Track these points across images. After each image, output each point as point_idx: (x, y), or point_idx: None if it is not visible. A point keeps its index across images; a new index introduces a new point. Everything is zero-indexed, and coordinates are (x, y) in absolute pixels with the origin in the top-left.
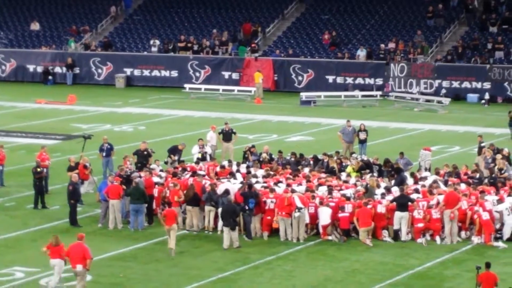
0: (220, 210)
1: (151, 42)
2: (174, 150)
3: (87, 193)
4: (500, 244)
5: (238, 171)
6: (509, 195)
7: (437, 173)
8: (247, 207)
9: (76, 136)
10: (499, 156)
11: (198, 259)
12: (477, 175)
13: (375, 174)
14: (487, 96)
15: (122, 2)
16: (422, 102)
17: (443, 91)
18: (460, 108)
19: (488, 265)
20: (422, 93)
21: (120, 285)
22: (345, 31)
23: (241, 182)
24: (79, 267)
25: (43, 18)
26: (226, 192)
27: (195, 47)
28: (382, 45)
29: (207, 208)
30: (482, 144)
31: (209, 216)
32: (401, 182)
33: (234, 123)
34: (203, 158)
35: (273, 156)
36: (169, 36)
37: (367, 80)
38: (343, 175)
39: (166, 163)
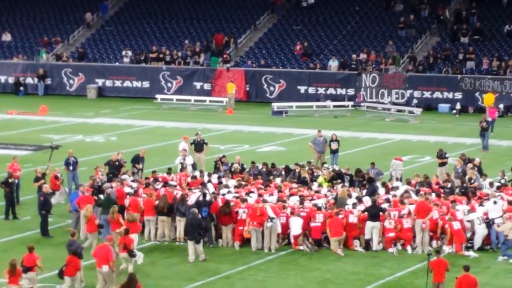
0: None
1: (123, 53)
2: (137, 159)
3: (59, 204)
4: (471, 253)
5: (209, 181)
6: (480, 205)
7: (409, 183)
8: (200, 216)
9: (45, 146)
10: (469, 166)
11: (169, 269)
12: (448, 185)
13: (347, 184)
14: (458, 106)
15: (99, 9)
16: (394, 112)
17: (415, 101)
18: (432, 118)
19: (438, 252)
20: (394, 103)
21: None
22: (317, 41)
23: (213, 192)
24: (105, 268)
25: (14, 29)
26: (197, 203)
27: (167, 58)
28: (354, 56)
29: (177, 218)
30: (447, 155)
31: (180, 226)
32: (372, 192)
33: (206, 134)
34: (182, 169)
35: (244, 166)
36: (141, 47)
37: (339, 91)
38: (315, 185)
39: (133, 174)
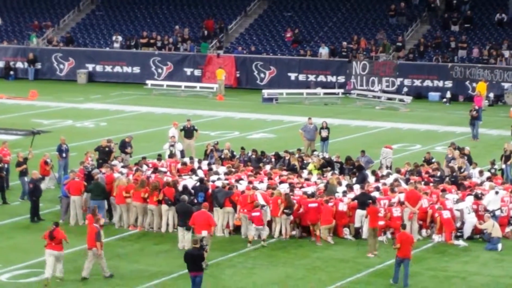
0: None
1: (113, 38)
2: (124, 145)
3: (48, 189)
4: (460, 242)
5: (199, 168)
6: (469, 194)
7: (398, 172)
8: (196, 201)
9: (27, 132)
10: (456, 153)
11: (159, 256)
12: (438, 174)
13: (337, 171)
14: (448, 94)
15: None
16: (384, 100)
17: (405, 89)
18: (422, 106)
19: (373, 202)
20: (384, 91)
21: (81, 281)
22: (307, 28)
23: (201, 179)
24: (204, 233)
25: (5, 13)
26: (185, 189)
27: (158, 44)
28: (345, 43)
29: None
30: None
31: (167, 214)
32: (362, 180)
33: (196, 120)
34: (171, 155)
35: (234, 153)
36: (131, 32)
37: (329, 78)
38: (305, 173)
39: (123, 160)
